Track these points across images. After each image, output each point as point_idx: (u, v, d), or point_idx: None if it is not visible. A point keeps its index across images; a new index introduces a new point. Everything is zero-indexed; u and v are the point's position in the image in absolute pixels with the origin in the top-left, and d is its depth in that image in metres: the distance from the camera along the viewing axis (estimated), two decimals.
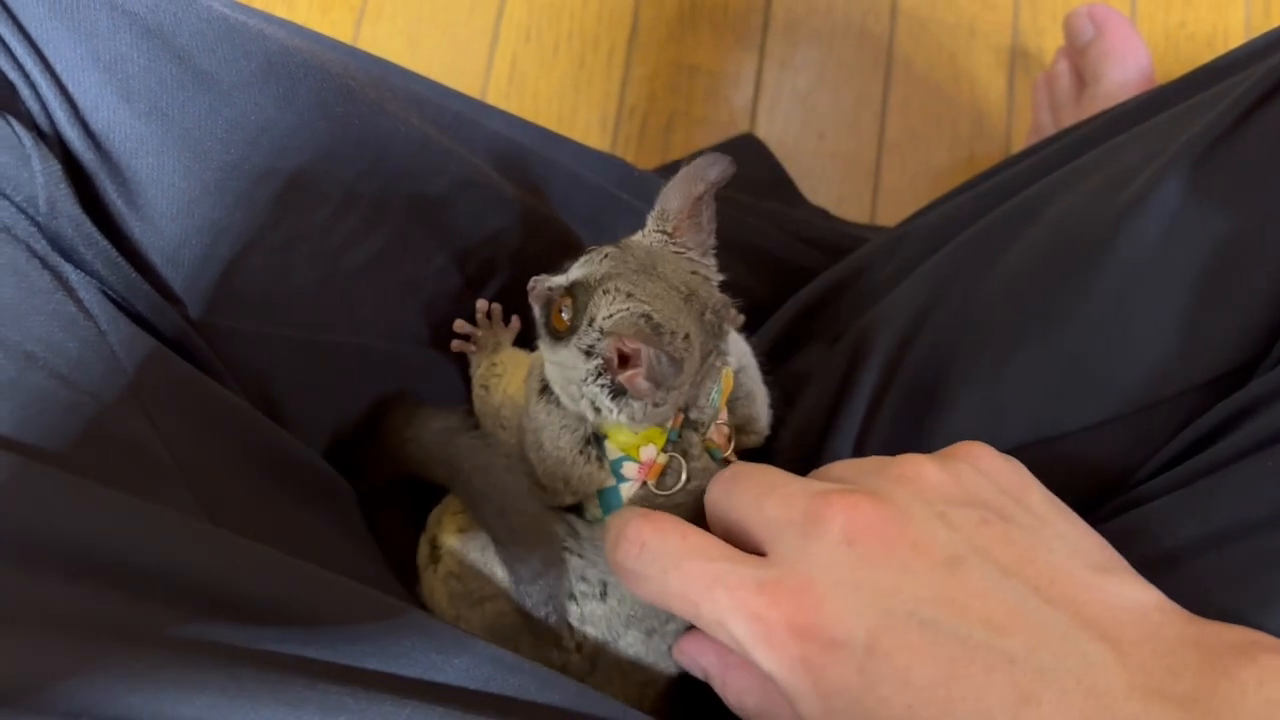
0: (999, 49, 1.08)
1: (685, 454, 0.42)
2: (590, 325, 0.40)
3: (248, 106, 0.40)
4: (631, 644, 0.44)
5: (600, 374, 0.40)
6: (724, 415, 0.44)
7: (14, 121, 0.36)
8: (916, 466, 0.37)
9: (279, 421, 0.44)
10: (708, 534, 0.38)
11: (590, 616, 0.43)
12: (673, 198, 0.43)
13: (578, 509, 0.45)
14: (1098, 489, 0.44)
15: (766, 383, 0.48)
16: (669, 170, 0.97)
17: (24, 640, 0.30)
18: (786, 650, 0.33)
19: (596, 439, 0.43)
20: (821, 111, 1.06)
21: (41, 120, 0.38)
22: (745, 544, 0.37)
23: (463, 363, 0.52)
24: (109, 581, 0.32)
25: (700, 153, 0.43)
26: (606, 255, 0.42)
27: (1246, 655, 0.31)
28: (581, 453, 0.43)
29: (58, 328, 0.35)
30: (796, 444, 0.50)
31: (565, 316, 0.41)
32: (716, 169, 0.43)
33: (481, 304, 0.51)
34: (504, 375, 0.48)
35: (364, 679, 0.32)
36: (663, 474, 0.42)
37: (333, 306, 0.48)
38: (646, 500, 0.42)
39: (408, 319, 0.51)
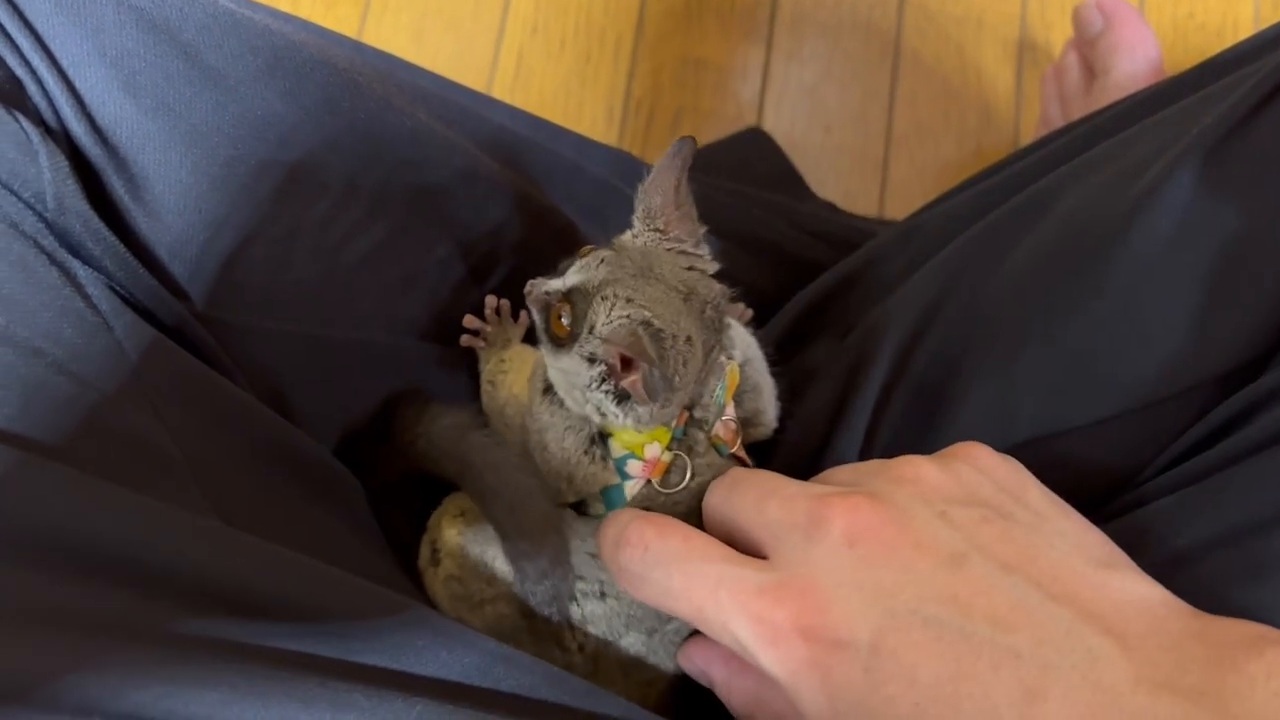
0: (1007, 41, 1.08)
1: (690, 451, 0.42)
2: (591, 333, 0.40)
3: (254, 101, 0.40)
4: (633, 643, 0.43)
5: (604, 380, 0.40)
6: (730, 410, 0.44)
7: (21, 117, 0.36)
8: (916, 467, 0.37)
9: (286, 417, 0.44)
10: (710, 537, 0.38)
11: (591, 616, 0.43)
12: (654, 194, 0.43)
13: (577, 506, 0.45)
14: (1106, 486, 0.44)
15: (774, 375, 0.48)
16: None
17: (32, 638, 0.30)
18: (791, 652, 0.33)
19: (601, 438, 0.43)
20: (828, 105, 1.06)
21: (48, 116, 0.38)
22: (746, 548, 0.38)
23: (467, 357, 0.52)
24: (118, 579, 0.32)
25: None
26: (603, 260, 0.41)
27: (1255, 649, 0.31)
28: (586, 453, 0.43)
29: (65, 323, 0.35)
30: (804, 438, 0.50)
31: (565, 323, 0.41)
32: (685, 150, 0.42)
33: (491, 300, 0.51)
34: (510, 372, 0.48)
35: (374, 676, 0.32)
36: (667, 472, 0.42)
37: (334, 299, 0.48)
38: (650, 498, 0.42)
39: (410, 312, 0.51)
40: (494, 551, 0.44)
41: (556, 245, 0.55)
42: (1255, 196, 0.43)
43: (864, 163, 1.04)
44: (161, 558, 0.33)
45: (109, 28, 0.37)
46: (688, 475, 0.42)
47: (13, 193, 0.36)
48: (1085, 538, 0.36)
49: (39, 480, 0.33)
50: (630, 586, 0.38)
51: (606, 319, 0.39)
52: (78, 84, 0.37)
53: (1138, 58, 0.87)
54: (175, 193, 0.39)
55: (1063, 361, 0.45)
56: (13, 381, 0.34)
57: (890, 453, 0.48)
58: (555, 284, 0.42)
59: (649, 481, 0.42)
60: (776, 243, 0.71)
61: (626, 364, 0.39)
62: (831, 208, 0.96)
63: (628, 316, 0.39)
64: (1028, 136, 1.04)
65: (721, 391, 0.43)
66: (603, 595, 0.43)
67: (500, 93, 1.04)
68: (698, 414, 0.43)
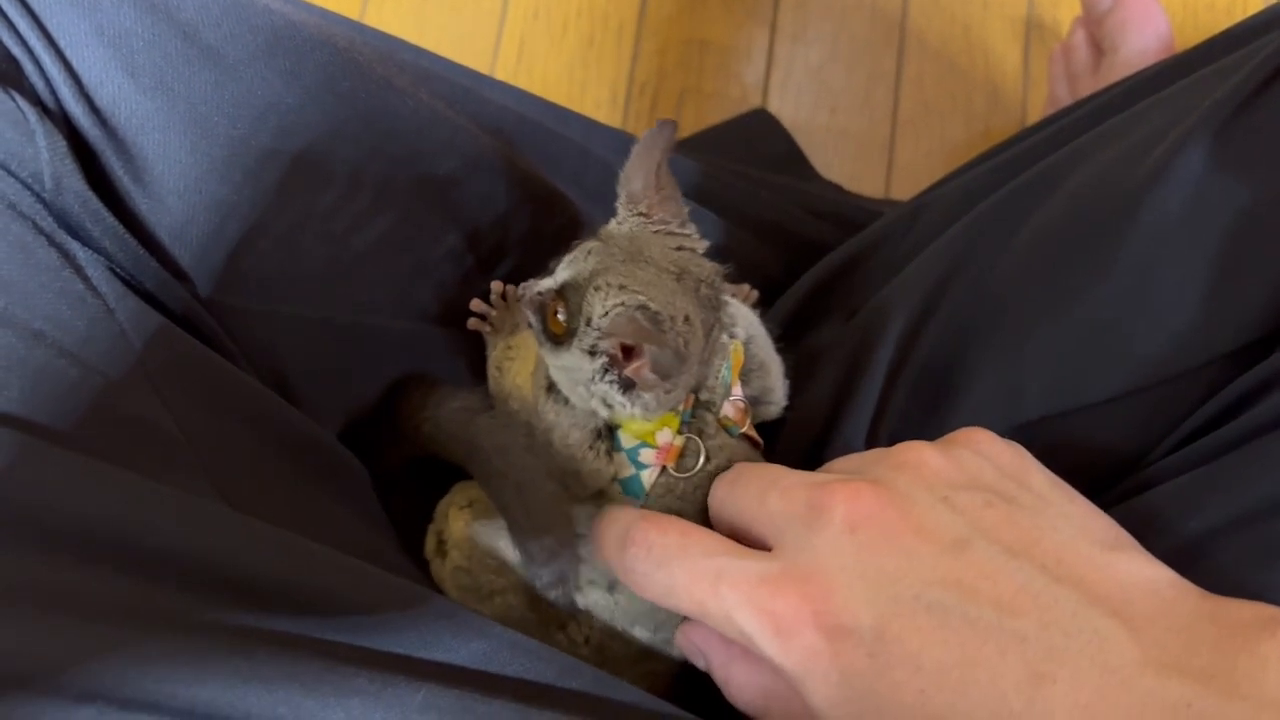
0: (1013, 21, 1.07)
1: (701, 434, 0.42)
2: (589, 325, 0.39)
3: (254, 81, 0.40)
4: (640, 634, 0.43)
5: (607, 371, 0.39)
6: (738, 390, 0.44)
7: (18, 97, 0.36)
8: (917, 453, 0.37)
9: (291, 402, 0.43)
10: (710, 531, 0.38)
11: (598, 607, 0.43)
12: (634, 179, 0.42)
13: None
14: (1114, 468, 0.44)
15: (780, 353, 0.47)
16: (680, 147, 0.96)
17: (36, 623, 0.30)
18: (795, 641, 0.33)
19: (609, 431, 0.42)
20: (834, 86, 1.05)
21: (46, 96, 0.37)
22: (751, 542, 0.37)
23: (476, 343, 0.51)
24: (122, 564, 0.32)
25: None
26: (590, 251, 0.41)
27: (1267, 630, 0.31)
28: (591, 448, 0.42)
29: (65, 305, 0.35)
30: (810, 421, 0.50)
31: (561, 319, 0.40)
32: (664, 134, 0.42)
33: (497, 285, 0.51)
34: (517, 360, 0.48)
35: (380, 661, 0.32)
36: (681, 455, 0.42)
37: (343, 287, 0.47)
38: (669, 485, 0.42)
39: (419, 299, 0.51)
40: (504, 542, 0.44)
41: (565, 231, 0.54)
42: (1265, 171, 0.43)
43: (870, 145, 1.03)
44: (165, 542, 0.33)
45: (106, 6, 0.37)
46: (701, 458, 0.42)
47: (10, 173, 0.35)
48: (1090, 521, 0.36)
49: (41, 464, 0.33)
50: (635, 586, 0.38)
51: (603, 310, 0.39)
52: (75, 64, 0.37)
53: (1147, 34, 0.87)
54: (175, 174, 0.39)
55: (1072, 339, 0.45)
56: (13, 364, 0.34)
57: (898, 434, 0.48)
58: (547, 282, 0.42)
59: (664, 468, 0.42)
60: (782, 224, 0.71)
61: (628, 352, 0.38)
62: (838, 189, 0.95)
63: (622, 304, 0.38)
64: (1035, 116, 1.04)
65: (727, 371, 0.43)
66: (610, 588, 0.43)
67: (503, 76, 1.04)
68: (704, 396, 0.42)
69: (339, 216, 0.45)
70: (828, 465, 0.40)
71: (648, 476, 0.42)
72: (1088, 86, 0.90)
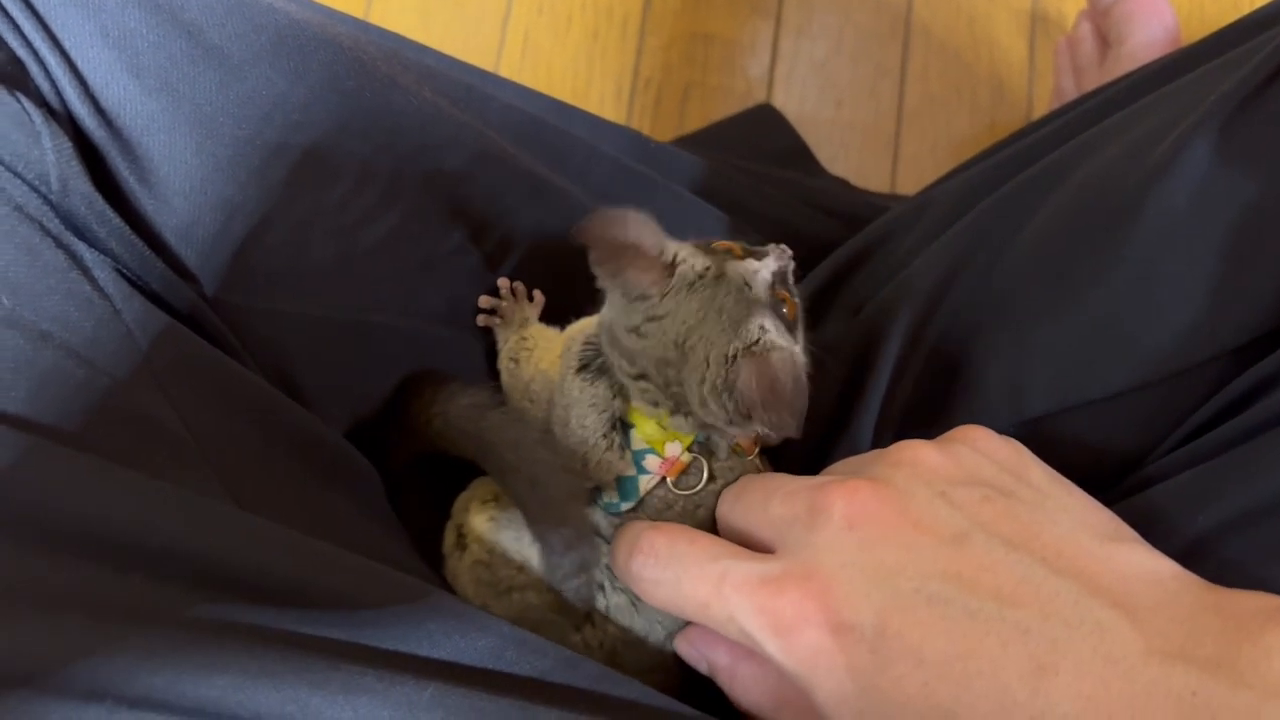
0: (1019, 13, 1.06)
1: (711, 454, 0.42)
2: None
3: (259, 81, 0.40)
4: (655, 638, 0.43)
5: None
6: None
7: (24, 99, 0.36)
8: (914, 451, 0.37)
9: (298, 401, 0.43)
10: (715, 537, 0.38)
11: (616, 609, 0.43)
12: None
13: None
14: (1118, 464, 0.44)
15: None
16: (685, 142, 0.96)
17: (43, 621, 0.30)
18: (797, 639, 0.33)
19: (623, 426, 0.43)
20: (839, 80, 1.05)
21: (51, 98, 0.37)
22: (756, 549, 0.38)
23: (482, 341, 0.51)
24: (129, 563, 0.32)
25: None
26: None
27: (1272, 620, 0.30)
28: (605, 436, 0.42)
29: (72, 306, 0.35)
30: (818, 417, 0.50)
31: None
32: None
33: (503, 281, 0.51)
34: (535, 349, 0.48)
35: (387, 660, 0.32)
36: (684, 473, 0.42)
37: (350, 284, 0.47)
38: (668, 502, 0.42)
39: (426, 296, 0.51)
40: (528, 537, 0.44)
41: (570, 229, 0.54)
42: (1272, 166, 0.43)
43: (875, 139, 1.03)
44: (173, 541, 0.33)
45: (111, 8, 0.37)
46: (704, 478, 0.42)
47: (16, 175, 0.35)
48: (1090, 514, 0.36)
49: (48, 464, 0.33)
50: (643, 592, 0.39)
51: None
52: (80, 65, 0.37)
53: (1154, 26, 0.86)
54: (181, 175, 0.39)
55: (1078, 334, 0.45)
56: (21, 365, 0.34)
57: (904, 432, 0.48)
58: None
59: (664, 480, 0.42)
60: (788, 219, 0.71)
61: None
62: (843, 184, 0.95)
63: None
64: (1041, 109, 1.03)
65: None
66: (632, 598, 0.43)
67: (507, 72, 1.03)
68: None
69: (347, 211, 0.45)
70: (828, 469, 0.40)
71: (645, 483, 0.42)
72: (1093, 79, 0.89)
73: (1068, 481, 0.37)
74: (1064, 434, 0.45)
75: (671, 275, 0.40)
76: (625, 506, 0.42)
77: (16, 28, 0.37)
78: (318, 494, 0.42)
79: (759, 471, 0.44)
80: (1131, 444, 0.44)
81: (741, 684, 0.38)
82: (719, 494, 0.42)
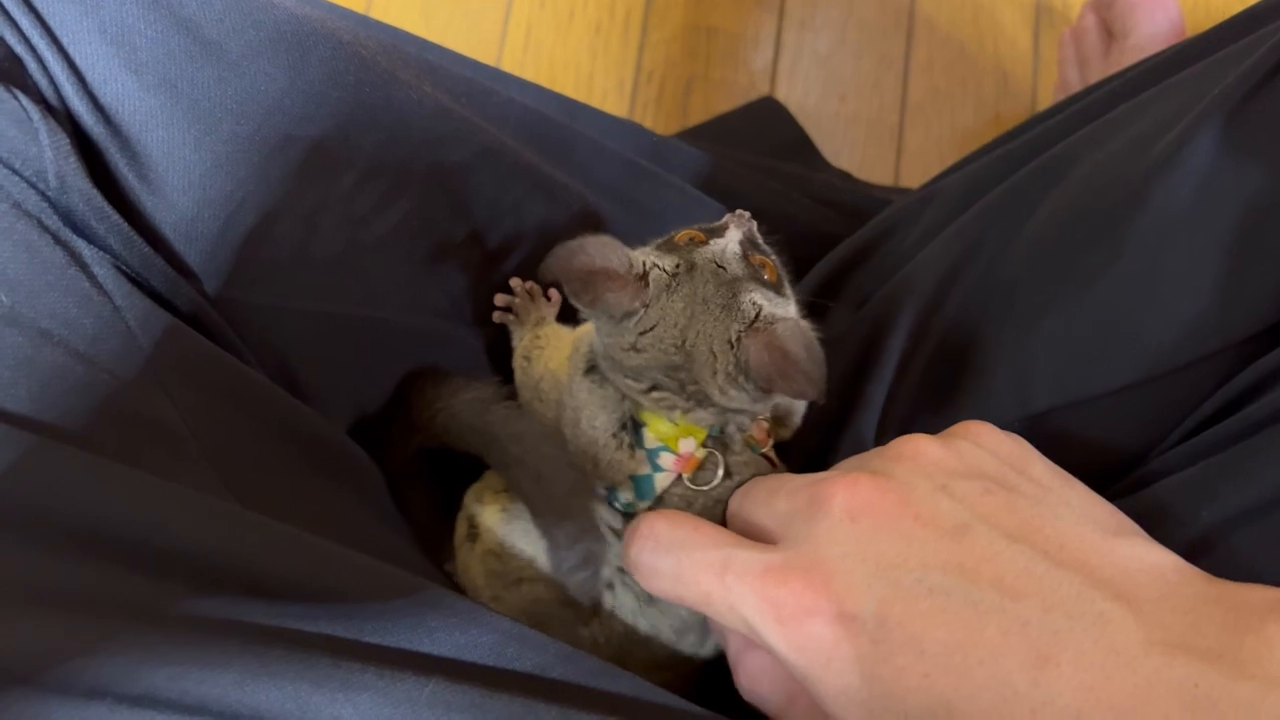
0: (1023, 5, 1.06)
1: (726, 449, 0.42)
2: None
3: (258, 77, 0.40)
4: (662, 634, 0.43)
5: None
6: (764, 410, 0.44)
7: (21, 95, 0.36)
8: (915, 445, 0.37)
9: (300, 398, 0.43)
10: (719, 526, 0.38)
11: (623, 605, 0.43)
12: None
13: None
14: (1124, 457, 0.44)
15: None
16: (688, 136, 0.96)
17: (45, 619, 0.30)
18: (798, 629, 0.33)
19: (634, 425, 0.42)
20: (842, 73, 1.04)
21: (49, 94, 0.37)
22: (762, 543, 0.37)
23: (486, 338, 0.52)
24: (130, 561, 0.32)
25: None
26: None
27: (1274, 612, 0.30)
28: (615, 436, 0.42)
29: (72, 304, 0.35)
30: (821, 410, 0.50)
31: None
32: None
33: (516, 281, 0.51)
34: (546, 348, 0.48)
35: (388, 657, 0.32)
36: (700, 468, 0.42)
37: (353, 280, 0.47)
38: (688, 500, 0.42)
39: (429, 292, 0.51)
40: (536, 534, 0.44)
41: (576, 224, 0.54)
42: (1277, 157, 0.42)
43: (879, 131, 1.03)
44: (174, 539, 0.33)
45: (109, 4, 0.37)
46: (720, 473, 0.42)
47: (14, 171, 0.35)
48: (1092, 508, 0.36)
49: (50, 463, 0.33)
50: (643, 579, 0.39)
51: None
52: (78, 61, 0.37)
53: (1158, 18, 0.86)
54: (180, 170, 0.39)
55: (1083, 327, 0.45)
56: (20, 363, 0.34)
57: (909, 426, 0.48)
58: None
59: (680, 477, 0.42)
60: (791, 213, 0.71)
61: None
62: (846, 177, 0.95)
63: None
64: (1045, 101, 1.03)
65: None
66: (640, 596, 0.43)
67: (510, 66, 1.03)
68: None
69: (352, 206, 0.45)
70: (832, 468, 0.40)
71: (661, 480, 0.42)
72: (1098, 71, 0.89)
73: (1070, 476, 0.37)
74: (1069, 430, 0.45)
75: (647, 284, 0.40)
76: (643, 505, 0.42)
77: (14, 24, 0.36)
78: (319, 491, 0.42)
79: (772, 465, 0.44)
80: (1136, 439, 0.44)
81: (748, 674, 0.38)
82: (734, 490, 0.42)
